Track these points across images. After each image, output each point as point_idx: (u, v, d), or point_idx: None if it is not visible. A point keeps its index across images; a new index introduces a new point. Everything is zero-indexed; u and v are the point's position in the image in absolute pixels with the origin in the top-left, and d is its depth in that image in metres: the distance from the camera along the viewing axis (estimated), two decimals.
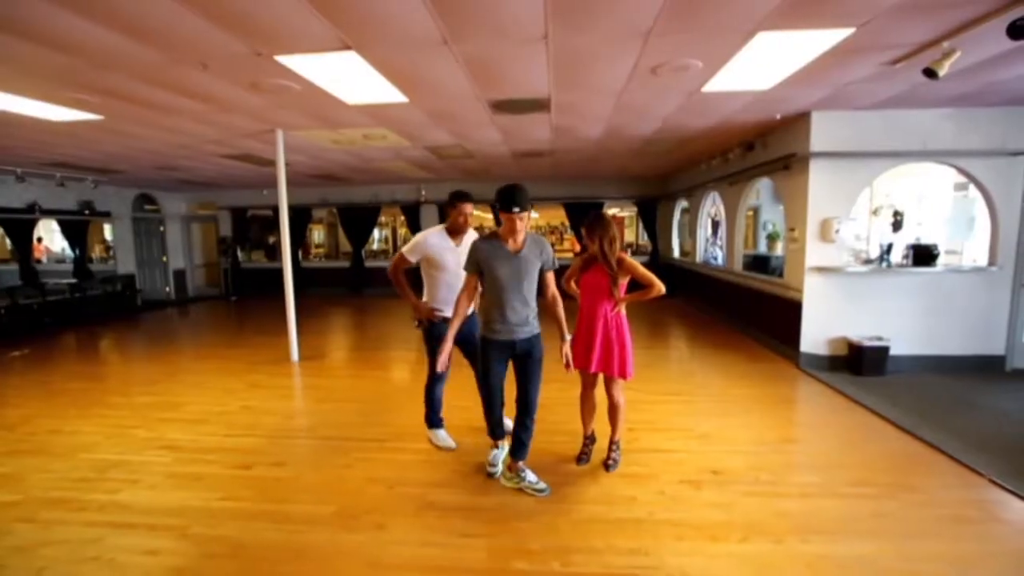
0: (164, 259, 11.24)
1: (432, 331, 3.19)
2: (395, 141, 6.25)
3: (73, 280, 9.23)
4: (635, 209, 12.74)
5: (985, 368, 5.00)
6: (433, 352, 3.12)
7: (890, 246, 5.29)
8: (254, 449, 3.47)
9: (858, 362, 4.92)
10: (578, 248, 13.02)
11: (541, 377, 2.82)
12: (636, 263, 2.89)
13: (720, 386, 4.67)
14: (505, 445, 3.08)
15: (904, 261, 5.10)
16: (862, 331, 4.99)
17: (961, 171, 4.90)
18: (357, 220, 11.55)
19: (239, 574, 2.22)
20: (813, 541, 2.41)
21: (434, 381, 3.37)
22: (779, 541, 2.41)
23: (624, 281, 2.91)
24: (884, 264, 5.16)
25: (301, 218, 11.68)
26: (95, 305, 9.24)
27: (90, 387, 4.96)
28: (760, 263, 7.77)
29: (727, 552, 2.33)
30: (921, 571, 2.19)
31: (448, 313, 2.97)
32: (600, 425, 3.27)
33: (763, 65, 3.52)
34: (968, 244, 7.30)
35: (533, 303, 2.76)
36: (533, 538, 2.44)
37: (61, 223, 9.56)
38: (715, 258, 8.56)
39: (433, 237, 3.15)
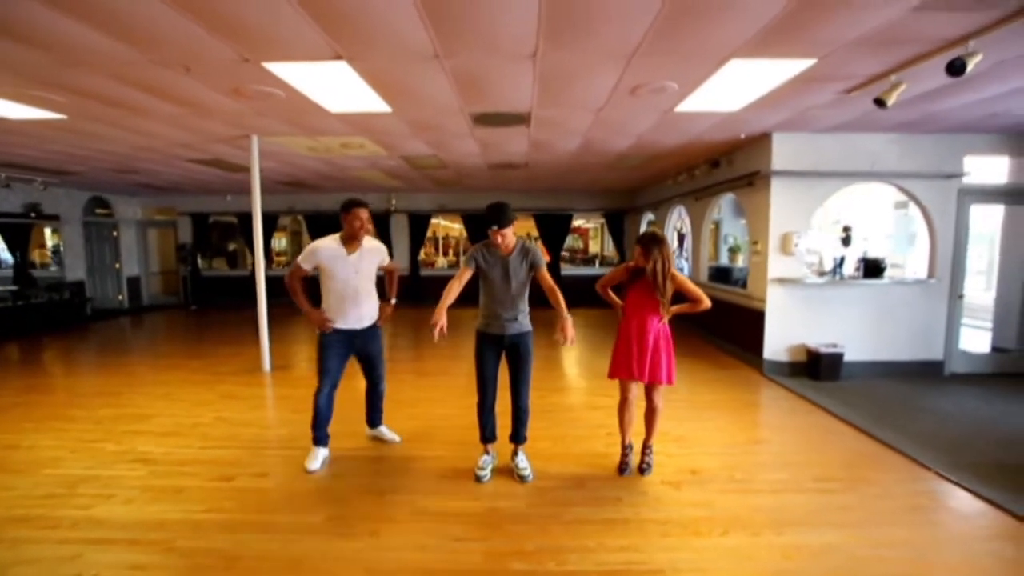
0: (117, 266, 10.69)
1: (322, 340, 3.20)
2: (372, 150, 6.25)
3: (13, 287, 8.66)
4: (602, 221, 13.11)
5: (926, 373, 5.43)
6: (322, 360, 3.19)
7: (842, 259, 5.70)
8: (234, 461, 3.39)
9: (816, 368, 5.25)
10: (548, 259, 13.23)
11: (531, 371, 3.10)
12: (685, 279, 3.00)
13: (690, 392, 4.87)
14: (493, 451, 3.19)
15: (856, 273, 5.50)
16: (819, 339, 5.34)
17: (903, 191, 5.34)
18: (326, 229, 11.33)
19: None
20: (786, 533, 2.58)
21: (319, 390, 3.21)
22: (756, 534, 2.57)
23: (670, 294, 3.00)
24: (838, 276, 5.54)
25: (267, 226, 11.35)
26: (40, 313, 8.68)
27: (44, 400, 4.69)
28: (723, 274, 8.15)
29: (711, 546, 2.47)
30: (884, 556, 2.39)
31: (339, 324, 3.16)
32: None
33: (732, 89, 3.78)
34: (909, 258, 7.91)
35: (524, 304, 3.05)
36: (526, 540, 2.50)
37: (1, 227, 8.96)
38: (681, 269, 8.91)
39: (325, 245, 3.11)
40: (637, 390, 3.19)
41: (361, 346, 3.28)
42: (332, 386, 3.24)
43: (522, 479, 3.08)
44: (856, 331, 5.37)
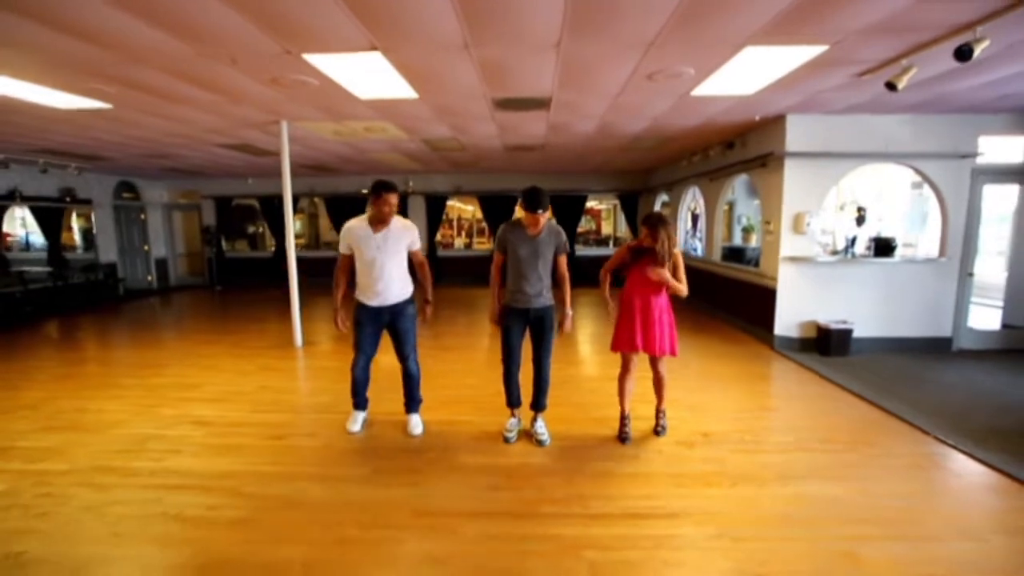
0: (146, 248, 11.11)
1: (355, 316, 3.36)
2: (394, 134, 6.46)
3: (49, 268, 9.08)
4: (615, 202, 13.23)
5: (935, 348, 5.60)
6: (355, 336, 3.38)
7: (854, 239, 5.84)
8: (282, 423, 3.71)
9: (826, 343, 5.44)
10: None
11: (553, 342, 3.32)
12: (681, 263, 3.20)
13: (703, 365, 5.11)
14: (519, 415, 3.46)
15: (867, 252, 5.64)
16: (829, 315, 5.52)
17: (917, 171, 5.44)
18: (344, 210, 11.61)
19: (298, 523, 2.49)
20: (790, 485, 2.84)
21: (354, 362, 3.42)
22: (762, 485, 2.83)
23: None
24: (849, 255, 5.69)
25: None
26: (76, 294, 9.13)
27: (97, 370, 5.07)
28: (736, 254, 8.28)
29: (720, 495, 2.73)
30: (878, 505, 2.63)
31: (368, 301, 3.29)
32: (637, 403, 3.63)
33: (747, 74, 3.91)
34: (922, 237, 7.98)
35: (547, 279, 3.27)
36: (554, 489, 2.79)
37: (36, 210, 9.35)
38: (695, 249, 9.07)
39: (355, 226, 3.23)
40: (637, 361, 3.39)
41: (390, 322, 3.37)
42: (367, 359, 3.43)
43: (540, 443, 3.32)
44: (866, 308, 5.54)
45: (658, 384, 3.45)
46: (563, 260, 3.26)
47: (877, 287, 5.55)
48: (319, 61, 3.59)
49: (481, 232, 14.46)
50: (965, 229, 5.46)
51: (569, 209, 11.58)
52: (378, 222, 3.22)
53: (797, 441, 3.40)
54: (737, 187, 9.31)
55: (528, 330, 3.32)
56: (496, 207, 11.54)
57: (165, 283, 11.47)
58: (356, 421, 3.55)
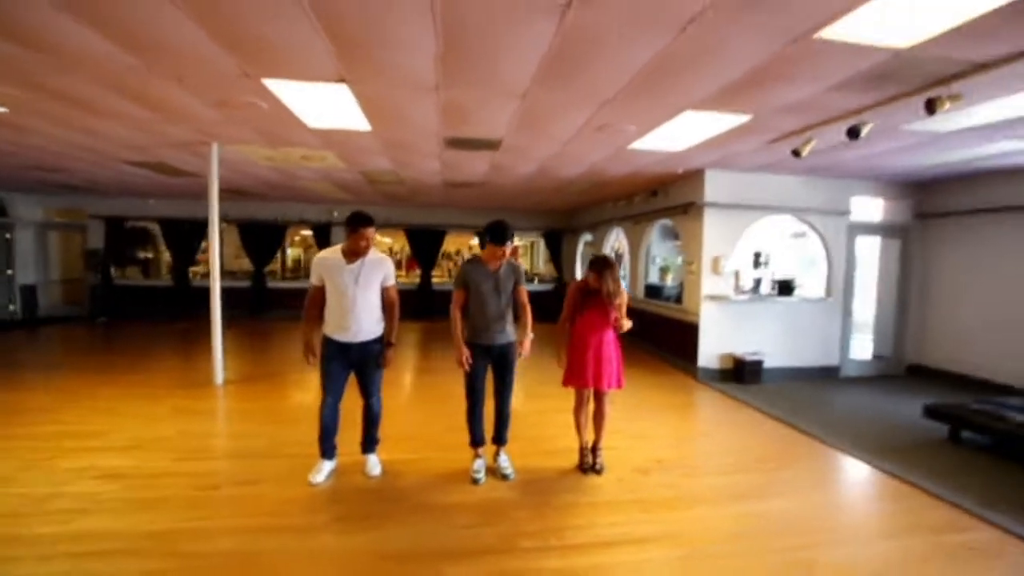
0: (9, 272, 9.51)
1: (322, 352, 3.16)
2: (332, 163, 6.30)
3: None
4: (532, 239, 13.78)
5: (827, 375, 6.44)
6: (322, 374, 3.17)
7: (759, 280, 6.62)
8: (215, 471, 3.34)
9: (741, 373, 6.04)
10: None
11: (513, 380, 3.38)
12: (624, 301, 3.35)
13: (638, 395, 5.40)
14: (484, 455, 3.43)
15: (772, 291, 6.41)
16: (744, 348, 6.15)
17: (808, 223, 6.36)
18: (260, 239, 10.91)
19: None
20: (740, 503, 3.10)
21: (322, 403, 3.20)
22: (716, 505, 3.07)
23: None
24: (756, 294, 6.43)
25: (194, 233, 10.72)
26: None
27: None
28: (655, 291, 8.94)
29: (681, 517, 2.91)
30: (816, 515, 2.96)
31: (336, 336, 3.13)
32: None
33: (679, 133, 4.41)
34: (806, 279, 9.17)
35: (509, 314, 3.32)
36: (528, 523, 2.79)
37: None
38: None
39: (327, 256, 3.13)
40: (589, 395, 3.49)
41: (358, 359, 3.19)
42: (335, 399, 3.19)
43: (505, 477, 3.31)
44: (772, 341, 6.25)
45: (600, 418, 3.48)
46: (523, 290, 3.34)
47: (781, 322, 6.31)
48: (277, 87, 3.48)
49: (399, 266, 14.25)
50: (845, 273, 6.44)
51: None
52: (354, 254, 3.09)
53: (736, 463, 3.72)
54: (652, 230, 10.16)
55: (491, 367, 3.33)
56: (424, 241, 11.49)
57: (32, 313, 9.83)
58: (321, 471, 3.22)
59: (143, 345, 7.74)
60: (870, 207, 6.51)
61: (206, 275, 12.22)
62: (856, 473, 3.63)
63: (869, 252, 6.90)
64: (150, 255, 12.14)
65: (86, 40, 2.77)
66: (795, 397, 5.57)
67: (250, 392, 5.26)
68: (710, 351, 6.19)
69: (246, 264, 11.90)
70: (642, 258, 8.15)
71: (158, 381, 5.53)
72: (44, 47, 2.88)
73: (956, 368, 6.20)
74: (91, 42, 2.80)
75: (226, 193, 9.02)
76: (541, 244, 15.59)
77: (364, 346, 3.18)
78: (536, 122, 4.21)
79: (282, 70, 3.21)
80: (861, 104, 3.49)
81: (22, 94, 3.71)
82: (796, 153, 4.24)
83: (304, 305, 3.22)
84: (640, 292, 8.17)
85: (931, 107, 3.01)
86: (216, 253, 5.58)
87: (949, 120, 3.83)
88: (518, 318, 3.37)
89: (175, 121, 4.40)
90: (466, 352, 3.21)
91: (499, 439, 3.43)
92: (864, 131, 3.58)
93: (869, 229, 6.57)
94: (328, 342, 3.17)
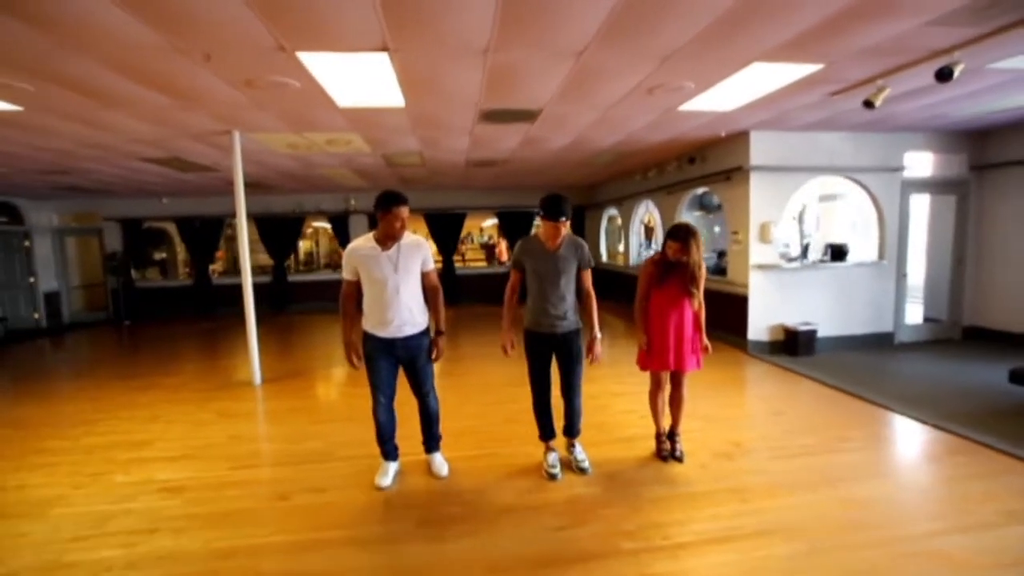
0: (32, 280, 9.38)
1: (366, 351, 2.90)
2: (357, 147, 6.01)
3: None
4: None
5: (881, 343, 6.16)
6: (369, 374, 2.92)
7: (807, 246, 6.30)
8: (277, 479, 3.17)
9: (794, 344, 5.78)
10: (505, 258, 13.33)
11: (583, 370, 3.08)
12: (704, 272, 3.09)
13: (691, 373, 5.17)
14: (557, 447, 3.21)
15: (824, 257, 6.10)
16: (795, 318, 5.88)
17: (858, 182, 6.01)
18: (279, 232, 10.68)
19: None
20: (840, 487, 2.87)
21: (374, 405, 2.98)
22: (815, 491, 2.84)
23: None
24: (805, 260, 6.12)
25: (213, 230, 10.53)
26: None
27: (7, 434, 4.06)
28: None
29: (785, 505, 2.69)
30: (924, 498, 2.74)
31: (379, 332, 2.85)
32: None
33: (738, 90, 4.07)
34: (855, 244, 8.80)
35: (571, 298, 3.00)
36: (623, 521, 2.59)
37: None
38: None
39: (359, 246, 2.84)
40: (666, 377, 3.25)
41: (405, 356, 2.92)
42: (387, 398, 2.96)
43: (582, 471, 3.09)
44: (823, 309, 5.97)
45: (679, 402, 3.28)
46: (587, 275, 3.04)
47: (831, 289, 6.02)
48: (312, 61, 3.19)
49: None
50: (899, 234, 6.11)
51: (518, 224, 11.54)
52: (388, 238, 2.81)
53: (820, 443, 3.49)
54: (686, 201, 9.80)
55: (555, 357, 3.05)
56: (444, 225, 11.21)
57: (57, 321, 9.74)
58: (387, 474, 3.04)
59: (171, 347, 7.60)
60: (923, 162, 6.13)
61: (225, 272, 12.21)
62: (949, 447, 3.38)
63: (920, 210, 6.53)
64: (166, 255, 11.99)
65: (108, 15, 2.49)
66: (854, 367, 5.31)
67: (291, 391, 5.09)
68: (760, 323, 5.93)
69: (262, 259, 11.78)
70: None
71: (195, 384, 5.38)
72: (53, 22, 2.59)
73: (1019, 328, 5.89)
74: (112, 17, 2.51)
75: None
76: None
77: (410, 340, 2.90)
78: (585, 86, 3.89)
79: (321, 41, 2.91)
80: (956, 40, 3.13)
81: (34, 87, 3.44)
82: (869, 104, 3.89)
83: (340, 302, 2.93)
84: None
85: None
86: (246, 247, 5.33)
87: None
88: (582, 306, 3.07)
89: (194, 108, 4.12)
90: (511, 339, 2.98)
91: (571, 431, 3.20)
92: (957, 71, 3.23)
93: (923, 185, 6.20)
94: (370, 339, 2.90)
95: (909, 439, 3.55)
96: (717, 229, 8.88)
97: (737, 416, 4.02)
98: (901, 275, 6.17)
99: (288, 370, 5.93)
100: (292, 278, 11.22)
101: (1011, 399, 4.16)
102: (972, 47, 3.17)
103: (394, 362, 2.93)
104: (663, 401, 3.31)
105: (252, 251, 12.69)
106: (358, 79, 3.58)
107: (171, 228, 11.11)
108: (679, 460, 3.22)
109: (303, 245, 14.72)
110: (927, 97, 4.39)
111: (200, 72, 3.30)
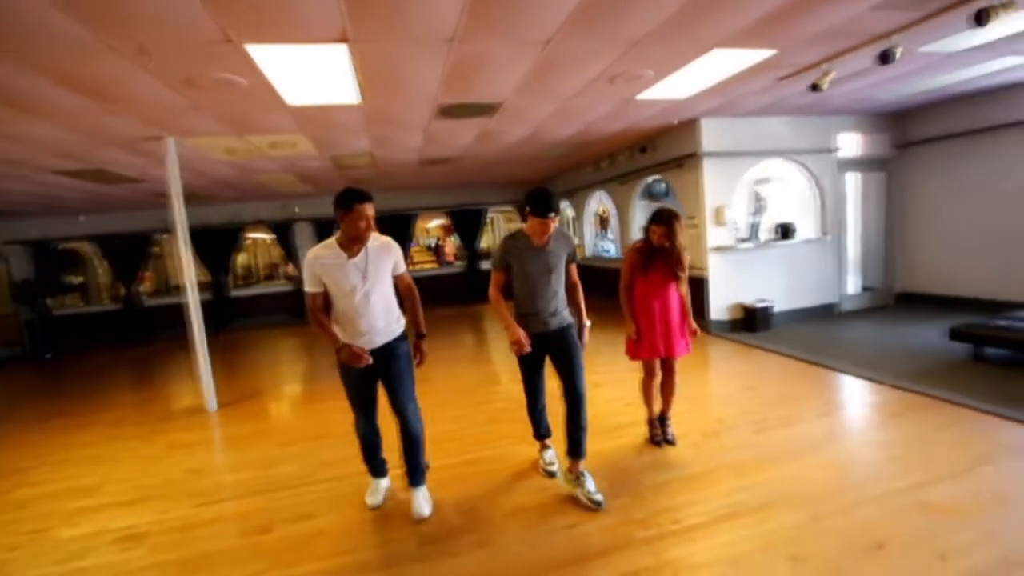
0: None
1: (340, 365, 2.60)
2: (303, 150, 5.67)
3: None
4: (496, 215, 13.40)
5: (826, 313, 6.57)
6: (347, 389, 2.67)
7: (756, 225, 6.61)
8: (252, 511, 2.90)
9: (752, 321, 6.04)
10: (452, 259, 13.13)
11: (583, 366, 2.83)
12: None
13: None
14: (552, 444, 3.12)
15: (775, 236, 6.41)
16: (752, 296, 6.14)
17: (800, 164, 6.35)
18: (216, 245, 9.96)
19: None
20: (821, 453, 3.01)
21: (356, 422, 2.75)
22: (798, 459, 2.96)
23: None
24: (756, 240, 6.42)
25: (138, 248, 9.66)
26: None
27: None
28: None
29: (778, 477, 2.77)
30: (898, 455, 2.91)
31: (349, 342, 2.55)
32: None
33: (694, 77, 4.16)
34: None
35: (562, 294, 2.87)
36: (632, 510, 2.57)
37: None
38: (607, 251, 9.53)
39: (319, 254, 2.51)
40: (658, 364, 3.23)
41: (382, 366, 2.61)
42: (369, 413, 2.73)
43: (596, 504, 2.60)
44: (777, 286, 6.28)
45: (671, 389, 3.28)
46: (574, 268, 2.94)
47: (781, 266, 6.34)
48: (262, 54, 2.94)
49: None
50: (835, 211, 6.52)
51: (471, 222, 11.41)
52: (353, 242, 2.49)
53: (794, 412, 3.64)
54: (640, 189, 10.02)
55: (549, 356, 2.85)
56: (396, 227, 10.86)
57: None
58: (377, 491, 2.84)
59: (104, 378, 6.89)
60: (853, 142, 6.58)
61: (154, 293, 11.23)
62: (908, 404, 3.61)
63: (852, 187, 7.00)
64: (85, 278, 10.88)
65: (26, 7, 2.16)
66: (808, 338, 5.63)
67: (251, 414, 4.73)
68: (720, 303, 6.15)
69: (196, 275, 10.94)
70: (632, 218, 7.99)
71: (139, 416, 4.88)
72: None
73: (944, 291, 6.46)
74: (32, 7, 2.18)
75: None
76: (500, 219, 15.28)
77: (386, 349, 2.61)
78: (547, 76, 3.83)
79: (274, 31, 2.68)
80: (896, 24, 3.34)
81: None
82: (816, 87, 4.10)
83: (313, 322, 2.57)
84: None
85: (982, 18, 2.90)
86: (189, 263, 4.88)
87: (963, 39, 3.78)
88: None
89: (124, 112, 3.72)
90: (522, 332, 2.69)
91: (578, 450, 2.75)
92: (898, 53, 3.45)
93: (854, 164, 6.66)
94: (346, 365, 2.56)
95: (871, 400, 3.78)
96: None
97: (715, 395, 4.13)
98: (841, 249, 6.60)
99: (243, 392, 5.52)
100: (233, 293, 10.54)
101: (951, 355, 4.55)
102: (908, 31, 3.39)
103: (371, 374, 2.62)
104: (655, 388, 3.32)
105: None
106: (311, 74, 3.34)
107: (89, 248, 10.12)
108: (671, 443, 3.24)
109: (239, 258, 13.85)
110: (862, 79, 4.68)
111: (133, 71, 2.96)
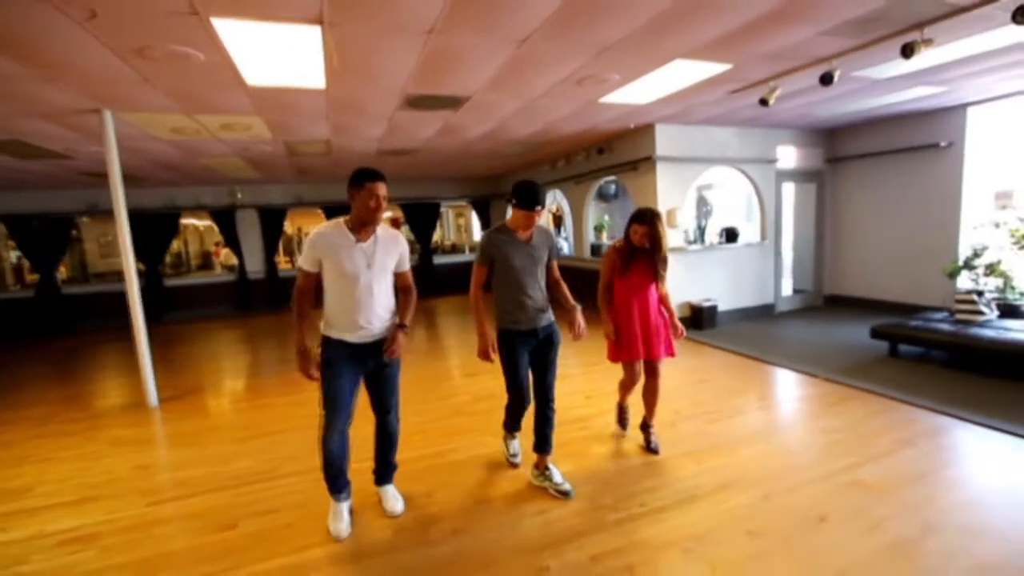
0: None
1: (325, 358, 2.42)
2: (256, 133, 5.41)
3: None
4: (446, 209, 13.42)
5: (765, 313, 7.08)
6: (326, 386, 2.39)
7: (703, 229, 7.01)
8: (213, 507, 2.78)
9: (699, 319, 6.41)
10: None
11: (558, 365, 2.90)
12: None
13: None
14: (518, 436, 3.17)
15: (721, 240, 6.81)
16: (698, 295, 6.51)
17: (743, 172, 6.79)
18: (151, 231, 9.26)
19: None
20: (771, 440, 3.29)
21: (326, 430, 2.41)
22: (752, 445, 3.22)
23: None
24: (703, 243, 6.80)
25: (58, 231, 8.83)
26: None
27: None
28: (594, 250, 9.15)
29: (733, 462, 3.00)
30: (833, 440, 3.23)
31: (346, 337, 2.40)
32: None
33: (655, 84, 4.37)
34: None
35: (544, 290, 2.86)
36: (600, 496, 2.69)
37: None
38: (560, 249, 9.73)
39: (326, 232, 2.36)
40: (640, 367, 3.16)
41: (374, 366, 2.49)
42: (345, 419, 2.42)
43: (564, 494, 2.70)
44: (721, 286, 6.69)
45: (654, 392, 3.20)
46: (555, 264, 2.94)
47: (725, 268, 6.77)
48: (228, 29, 2.80)
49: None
50: (775, 218, 7.03)
51: (425, 216, 11.28)
52: (365, 224, 2.36)
53: (743, 403, 3.94)
54: (594, 190, 10.28)
55: (532, 355, 2.80)
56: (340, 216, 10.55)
57: None
58: (340, 516, 2.50)
59: (19, 373, 6.25)
60: (790, 155, 7.12)
61: (70, 280, 10.25)
62: (842, 395, 3.99)
63: (787, 196, 7.57)
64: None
65: None
66: (750, 335, 6.05)
67: (198, 409, 4.49)
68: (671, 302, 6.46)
69: (116, 264, 10.19)
70: (587, 217, 8.22)
71: (70, 413, 4.50)
72: None
73: (867, 294, 7.14)
74: None
75: (97, 177, 7.43)
76: (451, 214, 15.14)
77: (380, 345, 2.46)
78: (519, 74, 3.89)
79: (247, 6, 2.56)
80: (837, 49, 3.67)
81: None
82: (764, 102, 4.40)
83: (295, 302, 2.42)
84: (586, 252, 8.28)
85: (907, 51, 3.25)
86: (128, 248, 4.52)
87: (888, 68, 4.22)
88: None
89: (58, 79, 3.40)
90: (492, 341, 2.69)
91: (545, 445, 2.80)
92: (836, 76, 3.79)
93: (790, 175, 7.20)
94: (332, 346, 2.40)
95: (809, 392, 4.15)
96: (607, 218, 9.52)
97: (669, 387, 4.31)
98: (778, 253, 7.13)
99: (186, 387, 5.21)
100: (168, 283, 9.85)
101: (873, 352, 5.05)
102: (846, 56, 3.74)
103: (358, 373, 2.46)
104: (634, 390, 3.27)
105: (109, 255, 10.97)
106: (278, 56, 3.22)
107: None
108: (655, 453, 3.14)
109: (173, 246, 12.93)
110: (803, 97, 5.09)
111: (78, 35, 2.73)
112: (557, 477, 2.79)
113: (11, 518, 2.76)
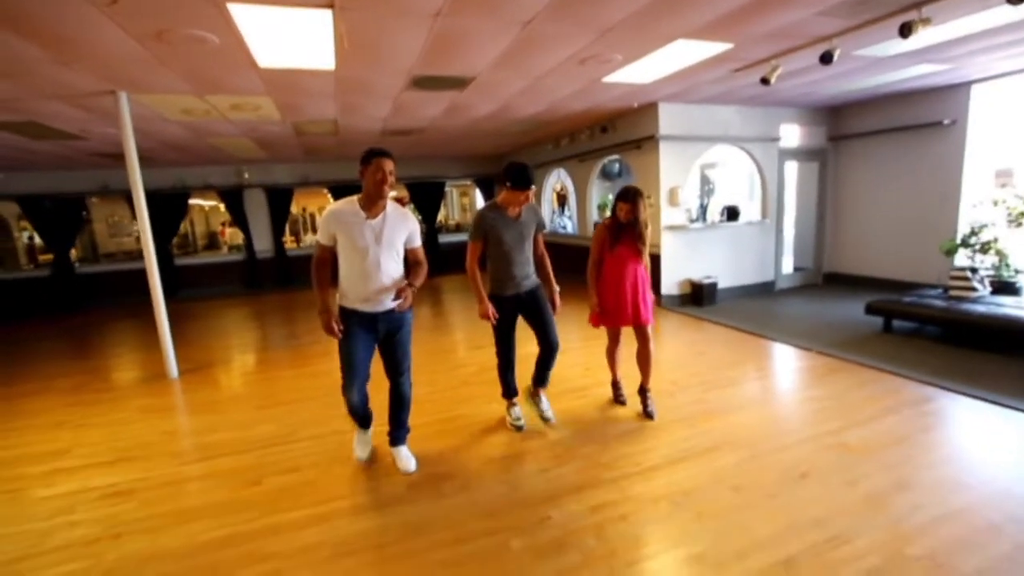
0: None
1: (343, 331, 2.65)
2: (265, 114, 5.52)
3: None
4: (450, 189, 13.47)
5: (765, 290, 7.21)
6: (342, 352, 2.67)
7: (705, 207, 7.09)
8: (238, 467, 3.00)
9: (700, 296, 6.56)
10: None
11: (555, 321, 3.20)
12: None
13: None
14: (519, 402, 3.40)
15: (722, 218, 6.91)
16: (699, 273, 6.64)
17: (746, 151, 6.84)
18: (162, 210, 9.40)
19: (372, 562, 2.12)
20: (763, 407, 3.47)
21: (345, 388, 2.69)
22: (744, 410, 3.41)
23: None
24: (705, 221, 6.90)
25: (71, 211, 9.01)
26: None
27: None
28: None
29: (724, 426, 3.18)
30: (825, 407, 3.40)
31: (358, 306, 2.63)
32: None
33: (658, 63, 4.43)
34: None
35: (532, 260, 3.20)
36: (598, 456, 2.89)
37: None
38: (564, 228, 9.84)
39: (340, 208, 2.59)
40: (621, 332, 3.45)
41: (385, 332, 2.70)
42: (362, 381, 2.70)
43: (546, 420, 3.30)
44: (722, 264, 6.82)
45: (647, 357, 3.40)
46: (541, 239, 3.22)
47: (727, 246, 6.88)
48: (243, 13, 2.90)
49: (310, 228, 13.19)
50: (777, 196, 7.10)
51: (429, 195, 11.37)
52: (375, 200, 2.55)
53: (739, 374, 4.11)
54: (598, 168, 10.33)
55: (523, 316, 3.18)
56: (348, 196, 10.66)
57: None
58: (365, 442, 2.99)
59: (42, 348, 6.50)
60: (792, 133, 7.14)
61: (82, 260, 10.47)
62: (832, 367, 4.16)
63: (789, 175, 7.63)
64: (6, 244, 10.01)
65: None
66: (749, 311, 6.20)
67: (218, 380, 4.72)
68: (671, 279, 6.62)
69: (127, 244, 10.49)
70: (590, 196, 8.30)
71: (97, 384, 4.74)
72: None
73: (866, 272, 7.24)
74: None
75: (109, 158, 7.57)
76: (455, 193, 15.19)
77: (392, 315, 2.68)
78: (523, 55, 3.97)
79: None
80: (836, 29, 3.72)
81: None
82: (765, 80, 4.47)
83: (313, 274, 2.66)
84: (590, 230, 8.39)
85: (905, 31, 3.30)
86: (147, 227, 4.71)
87: (889, 46, 4.25)
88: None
89: (76, 62, 3.52)
90: (491, 307, 3.03)
91: (544, 379, 3.32)
92: (836, 55, 3.85)
93: (793, 154, 7.24)
94: (348, 315, 2.64)
95: (801, 364, 4.31)
96: (610, 196, 9.57)
97: (669, 359, 4.54)
98: (779, 232, 7.22)
99: (205, 360, 5.44)
100: (178, 262, 10.06)
101: (868, 327, 5.19)
102: (846, 35, 3.79)
103: (371, 340, 2.69)
104: (620, 357, 3.58)
105: (117, 235, 11.16)
106: (290, 38, 3.32)
107: (8, 210, 9.33)
108: (650, 418, 3.32)
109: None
110: (806, 76, 5.12)
111: (98, 19, 2.84)
112: (544, 405, 3.32)
113: (55, 475, 3.00)
